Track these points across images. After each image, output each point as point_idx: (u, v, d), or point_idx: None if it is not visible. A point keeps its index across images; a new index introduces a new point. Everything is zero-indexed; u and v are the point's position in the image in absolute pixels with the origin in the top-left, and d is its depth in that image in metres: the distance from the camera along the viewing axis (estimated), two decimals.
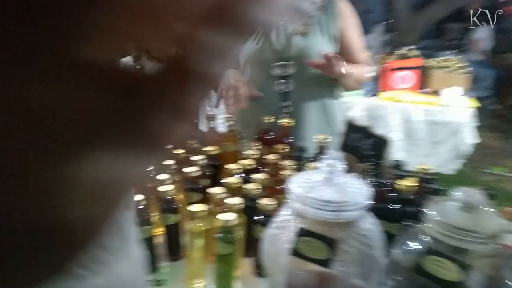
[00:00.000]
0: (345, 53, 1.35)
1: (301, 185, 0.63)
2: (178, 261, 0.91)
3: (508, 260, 0.60)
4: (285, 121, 1.18)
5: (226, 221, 0.77)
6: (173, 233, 0.90)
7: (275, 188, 1.01)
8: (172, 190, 0.89)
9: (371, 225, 0.65)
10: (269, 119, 1.20)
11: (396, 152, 2.53)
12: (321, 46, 1.29)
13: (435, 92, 2.86)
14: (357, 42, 1.38)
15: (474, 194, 0.58)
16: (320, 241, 0.58)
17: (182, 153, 1.07)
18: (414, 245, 0.61)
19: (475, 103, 2.85)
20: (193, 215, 0.81)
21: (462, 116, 2.72)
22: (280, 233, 0.65)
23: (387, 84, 2.89)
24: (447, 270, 0.55)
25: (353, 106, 2.81)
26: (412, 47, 3.16)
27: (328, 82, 1.33)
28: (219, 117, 1.31)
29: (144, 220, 0.83)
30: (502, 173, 3.55)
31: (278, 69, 1.30)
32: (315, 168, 0.65)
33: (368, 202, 0.62)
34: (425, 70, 2.93)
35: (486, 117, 4.74)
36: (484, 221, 0.56)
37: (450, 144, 2.79)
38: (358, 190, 0.62)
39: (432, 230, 0.58)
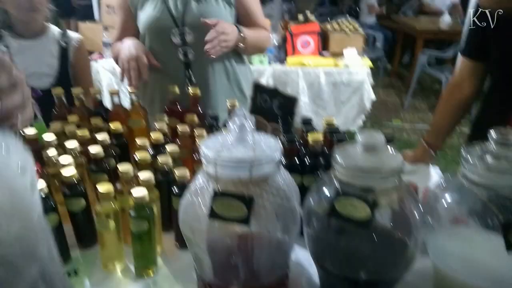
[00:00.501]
0: (244, 18, 1.33)
1: (212, 147, 0.61)
2: (91, 248, 0.85)
3: (410, 194, 0.66)
4: (193, 90, 1.14)
5: (138, 197, 0.72)
6: (82, 219, 0.83)
7: (189, 158, 0.98)
8: (76, 173, 0.82)
9: (285, 179, 0.66)
10: (176, 89, 1.15)
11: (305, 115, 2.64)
12: (218, 12, 1.25)
13: (335, 55, 3.01)
14: (255, 7, 1.36)
15: (375, 136, 0.61)
16: (237, 200, 0.57)
17: (86, 133, 0.99)
18: (326, 192, 0.64)
19: (371, 64, 3.06)
20: (100, 196, 0.75)
21: (361, 75, 2.91)
22: (196, 200, 0.63)
23: (291, 50, 2.97)
24: (357, 210, 0.57)
25: (262, 73, 2.84)
26: (311, 13, 3.27)
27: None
28: (123, 92, 1.22)
29: (48, 208, 0.75)
30: (399, 124, 3.93)
31: (178, 37, 1.24)
32: (225, 130, 0.64)
33: (279, 156, 0.62)
34: (324, 34, 3.06)
35: (382, 76, 5.17)
36: (386, 160, 0.60)
37: (353, 102, 2.98)
38: (269, 146, 0.62)
39: (340, 174, 0.61)
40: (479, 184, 0.58)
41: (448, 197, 0.65)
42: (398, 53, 5.36)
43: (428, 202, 0.68)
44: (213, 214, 0.58)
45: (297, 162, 0.85)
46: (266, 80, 2.82)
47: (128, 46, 1.20)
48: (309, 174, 0.84)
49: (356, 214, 0.57)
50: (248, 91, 1.34)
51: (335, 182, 0.63)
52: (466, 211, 0.64)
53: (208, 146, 0.62)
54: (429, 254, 0.68)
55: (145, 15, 1.27)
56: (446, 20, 4.59)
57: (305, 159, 0.85)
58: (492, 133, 0.59)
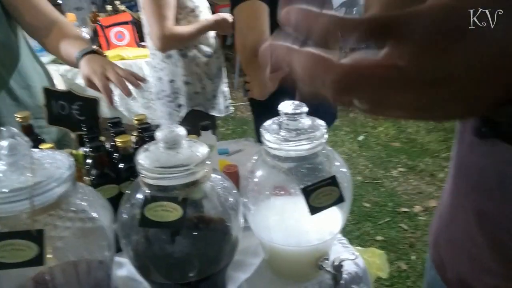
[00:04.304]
0: (35, 26, 1.12)
1: None
2: None
3: (223, 179, 0.65)
4: None
5: None
6: None
7: None
8: None
9: (87, 195, 0.58)
10: None
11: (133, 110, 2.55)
12: None
13: None
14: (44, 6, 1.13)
15: (175, 130, 0.58)
16: (21, 239, 0.47)
17: None
18: (137, 199, 0.58)
19: None
20: None
21: None
22: None
23: (106, 43, 2.75)
24: (168, 211, 0.54)
25: (76, 73, 2.56)
26: (121, 3, 3.09)
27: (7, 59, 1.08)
28: None
29: None
30: (232, 104, 4.09)
31: None
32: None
33: (71, 173, 0.53)
34: (139, 24, 2.92)
35: None
36: (189, 153, 0.57)
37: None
38: (56, 163, 0.53)
39: (146, 177, 0.56)
40: (277, 156, 0.61)
41: (258, 173, 0.67)
42: (221, 36, 5.54)
43: (243, 182, 0.69)
44: None
45: (111, 171, 0.77)
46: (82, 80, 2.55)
47: None
48: (126, 181, 0.77)
49: (167, 217, 0.54)
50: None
51: (143, 186, 0.57)
52: (276, 183, 0.66)
53: None
54: (253, 230, 0.70)
55: None
56: None
57: (118, 165, 0.77)
58: (282, 107, 0.62)
